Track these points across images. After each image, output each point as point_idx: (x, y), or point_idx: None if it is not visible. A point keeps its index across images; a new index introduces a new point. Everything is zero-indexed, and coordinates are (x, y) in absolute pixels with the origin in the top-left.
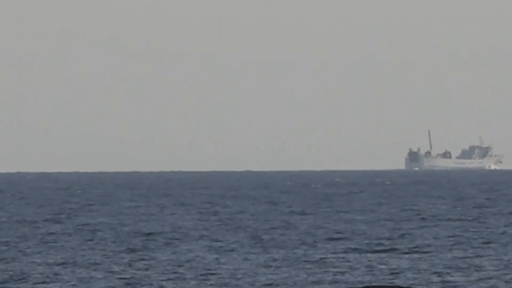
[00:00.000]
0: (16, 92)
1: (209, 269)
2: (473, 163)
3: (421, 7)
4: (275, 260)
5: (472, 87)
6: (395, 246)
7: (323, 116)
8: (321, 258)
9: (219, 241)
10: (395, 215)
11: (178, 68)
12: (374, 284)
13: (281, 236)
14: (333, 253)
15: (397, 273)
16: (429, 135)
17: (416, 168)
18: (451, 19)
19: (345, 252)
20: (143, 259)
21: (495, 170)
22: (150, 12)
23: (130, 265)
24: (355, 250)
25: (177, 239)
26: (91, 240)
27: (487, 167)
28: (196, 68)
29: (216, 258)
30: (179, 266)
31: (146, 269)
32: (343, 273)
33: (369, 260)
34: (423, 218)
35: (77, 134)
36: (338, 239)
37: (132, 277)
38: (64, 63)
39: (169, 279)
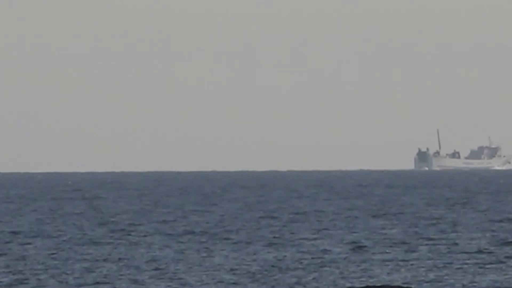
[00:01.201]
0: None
1: (193, 265)
2: (482, 164)
3: (430, 5)
4: (256, 259)
5: (481, 87)
6: (378, 245)
7: (332, 116)
8: (310, 258)
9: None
10: (366, 214)
11: (175, 66)
12: (374, 284)
13: (258, 235)
14: (319, 252)
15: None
16: (438, 135)
17: (426, 168)
18: (460, 18)
19: (329, 251)
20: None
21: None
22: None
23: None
24: (338, 249)
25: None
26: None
27: (494, 168)
28: (192, 66)
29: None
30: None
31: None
32: (337, 273)
33: (357, 260)
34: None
35: (74, 133)
36: (317, 238)
37: (108, 273)
38: (66, 60)
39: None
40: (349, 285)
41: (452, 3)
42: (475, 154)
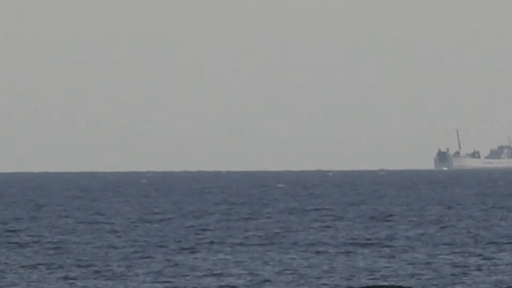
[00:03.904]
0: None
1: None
2: (502, 163)
3: (452, 7)
4: (248, 260)
5: (500, 86)
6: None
7: (351, 116)
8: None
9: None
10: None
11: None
12: (374, 284)
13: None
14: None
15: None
16: (458, 135)
17: (445, 168)
18: (478, 20)
19: (324, 253)
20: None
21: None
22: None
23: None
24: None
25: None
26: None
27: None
28: (186, 67)
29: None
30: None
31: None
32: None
33: (348, 260)
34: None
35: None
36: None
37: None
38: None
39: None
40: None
41: (475, 3)
42: (495, 154)
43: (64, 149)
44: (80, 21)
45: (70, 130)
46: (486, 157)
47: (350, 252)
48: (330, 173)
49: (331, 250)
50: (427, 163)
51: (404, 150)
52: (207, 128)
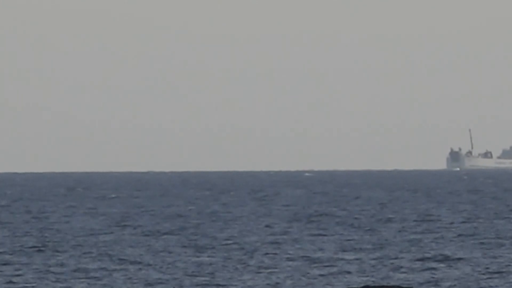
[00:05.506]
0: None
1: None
2: None
3: (465, 2)
4: (248, 262)
5: None
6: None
7: (364, 116)
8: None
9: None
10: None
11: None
12: (374, 284)
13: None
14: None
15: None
16: (470, 134)
17: (458, 168)
18: (491, 17)
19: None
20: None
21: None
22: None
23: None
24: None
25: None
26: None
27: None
28: (185, 68)
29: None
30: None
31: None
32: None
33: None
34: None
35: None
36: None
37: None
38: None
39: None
40: (348, 285)
41: (486, 4)
42: (507, 154)
43: (54, 149)
44: (78, 20)
45: (62, 129)
46: (498, 157)
47: (338, 255)
48: (306, 174)
49: (325, 253)
50: (440, 163)
51: (417, 150)
52: (196, 128)
